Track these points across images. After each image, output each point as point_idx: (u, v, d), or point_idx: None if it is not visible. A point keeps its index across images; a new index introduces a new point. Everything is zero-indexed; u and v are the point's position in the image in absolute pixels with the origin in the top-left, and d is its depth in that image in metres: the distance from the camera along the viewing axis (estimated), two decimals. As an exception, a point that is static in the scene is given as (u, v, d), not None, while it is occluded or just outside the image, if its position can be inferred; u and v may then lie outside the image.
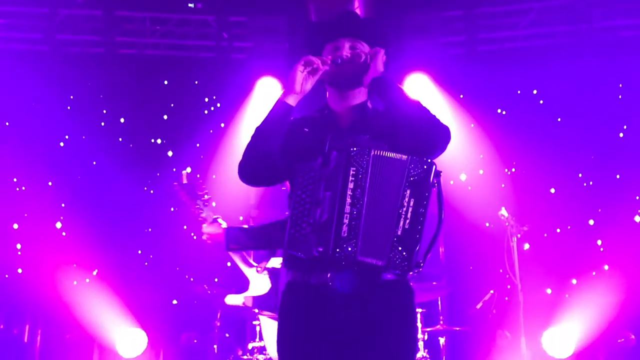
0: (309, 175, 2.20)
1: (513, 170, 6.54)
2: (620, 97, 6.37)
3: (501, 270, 5.58)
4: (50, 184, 6.41)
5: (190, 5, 6.71)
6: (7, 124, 6.45)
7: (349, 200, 2.16)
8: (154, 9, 6.63)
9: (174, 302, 6.40)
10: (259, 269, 4.03)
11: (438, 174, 2.23)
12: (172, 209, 6.47)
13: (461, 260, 6.17)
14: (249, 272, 4.13)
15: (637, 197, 6.28)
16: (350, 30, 2.47)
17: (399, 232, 2.16)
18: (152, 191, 6.57)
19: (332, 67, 2.38)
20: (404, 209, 2.17)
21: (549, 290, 6.23)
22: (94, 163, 6.50)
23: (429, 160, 2.22)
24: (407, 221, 2.17)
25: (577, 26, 6.42)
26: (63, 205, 6.36)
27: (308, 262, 2.19)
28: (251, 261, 4.11)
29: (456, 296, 5.99)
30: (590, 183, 6.39)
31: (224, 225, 3.22)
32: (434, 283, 5.49)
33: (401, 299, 2.30)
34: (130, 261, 6.36)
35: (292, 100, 2.37)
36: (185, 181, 3.43)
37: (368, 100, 2.51)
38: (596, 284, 6.12)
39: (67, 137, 6.56)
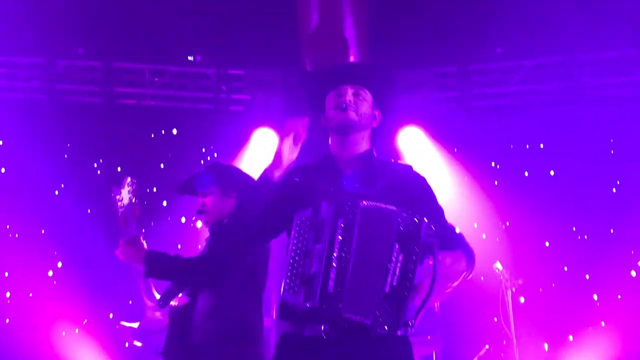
0: (300, 226, 2.16)
1: (507, 223, 6.55)
2: (612, 152, 6.45)
3: (495, 319, 5.52)
4: (43, 231, 6.36)
5: (189, 58, 6.83)
6: (2, 170, 6.46)
7: (336, 253, 2.09)
8: (153, 61, 6.75)
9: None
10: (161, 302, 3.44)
11: (429, 227, 2.15)
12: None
13: (456, 314, 6.09)
14: (149, 303, 3.51)
15: (632, 252, 6.27)
16: (352, 76, 2.44)
17: (387, 289, 2.07)
18: (145, 241, 6.51)
19: (336, 112, 2.38)
20: (392, 264, 2.08)
21: (546, 346, 6.14)
22: (89, 211, 6.47)
23: (419, 213, 2.14)
24: (395, 277, 2.08)
25: (567, 83, 6.56)
26: (56, 253, 6.31)
27: (302, 313, 2.14)
28: (155, 292, 3.54)
29: (451, 350, 5.89)
30: (585, 237, 6.39)
31: (145, 246, 3.03)
32: (429, 337, 5.42)
33: (397, 353, 2.22)
34: (123, 311, 6.26)
35: (277, 174, 2.33)
36: (126, 188, 3.23)
37: (373, 148, 2.47)
38: (593, 340, 6.04)
39: (62, 185, 6.56)
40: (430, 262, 2.15)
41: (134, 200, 3.18)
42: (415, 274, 2.10)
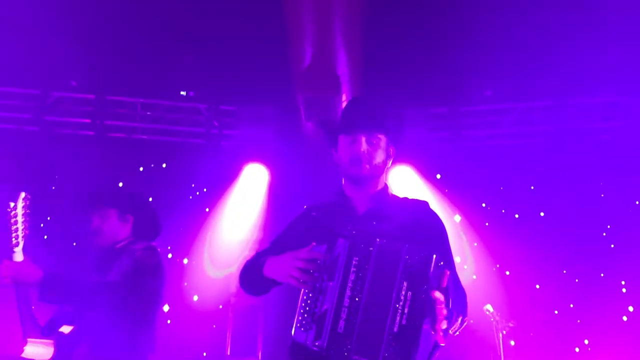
0: (315, 262, 2.14)
1: (498, 265, 6.50)
2: (602, 195, 6.46)
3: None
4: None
5: (182, 93, 6.85)
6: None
7: (348, 292, 2.07)
8: (145, 95, 6.76)
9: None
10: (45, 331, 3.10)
11: (438, 263, 2.09)
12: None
13: (447, 357, 5.98)
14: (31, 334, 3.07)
15: (624, 291, 6.22)
16: (366, 125, 2.40)
17: (395, 329, 2.01)
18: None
19: (351, 165, 2.38)
20: (401, 302, 2.03)
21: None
22: (74, 244, 6.38)
23: (428, 251, 2.08)
24: (405, 316, 2.03)
25: (557, 126, 6.60)
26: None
27: (311, 352, 2.09)
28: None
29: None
30: (576, 280, 6.35)
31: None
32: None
33: None
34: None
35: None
36: (20, 204, 3.02)
37: (387, 186, 2.47)
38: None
39: (48, 218, 6.48)
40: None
41: (24, 218, 3.00)
42: (425, 310, 2.04)
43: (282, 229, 2.57)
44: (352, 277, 2.07)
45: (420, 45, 6.24)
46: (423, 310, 2.03)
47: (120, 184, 6.69)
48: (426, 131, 6.83)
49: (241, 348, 6.03)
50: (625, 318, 6.17)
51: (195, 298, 6.35)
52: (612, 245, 6.30)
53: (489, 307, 5.33)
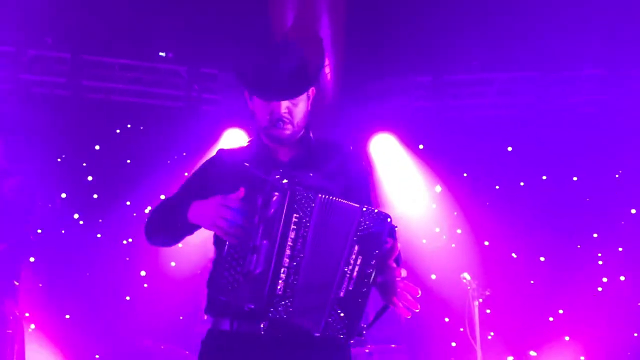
0: (245, 215, 1.94)
1: (475, 234, 6.51)
2: (583, 167, 6.46)
3: (462, 329, 5.45)
4: None
5: (161, 54, 6.69)
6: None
7: (288, 252, 1.91)
8: (124, 55, 6.59)
9: None
10: None
11: (393, 229, 2.01)
12: (127, 259, 6.26)
13: (422, 323, 6.02)
14: None
15: (600, 263, 6.28)
16: (286, 92, 2.19)
17: (341, 294, 1.91)
18: (99, 235, 6.35)
19: (270, 126, 2.20)
20: (350, 267, 1.92)
21: (510, 359, 6.10)
22: (50, 206, 6.28)
23: (384, 213, 1.97)
24: (352, 282, 1.91)
25: (540, 98, 6.57)
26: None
27: (240, 312, 1.97)
28: None
29: (416, 360, 5.81)
30: (553, 251, 6.38)
31: None
32: (393, 346, 5.34)
33: (336, 353, 2.10)
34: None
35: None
36: None
37: (310, 131, 2.32)
38: (556, 356, 6.03)
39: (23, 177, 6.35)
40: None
41: None
42: (375, 277, 1.95)
43: (191, 174, 2.39)
44: (291, 235, 1.92)
45: (405, 12, 6.15)
46: (372, 277, 1.93)
47: (97, 147, 6.58)
48: (409, 100, 6.77)
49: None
50: (600, 289, 6.24)
51: (173, 264, 6.30)
52: (590, 218, 6.33)
53: (465, 275, 5.36)
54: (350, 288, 1.92)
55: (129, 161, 6.59)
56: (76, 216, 6.31)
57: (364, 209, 1.96)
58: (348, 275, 1.92)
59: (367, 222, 1.95)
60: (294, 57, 2.23)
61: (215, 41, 6.30)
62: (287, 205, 1.93)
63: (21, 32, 6.31)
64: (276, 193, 1.93)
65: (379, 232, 1.95)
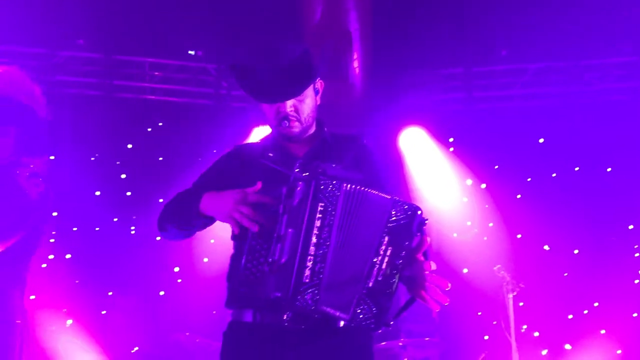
0: (268, 205, 1.97)
1: (509, 227, 6.44)
2: (617, 158, 6.33)
3: (495, 322, 5.41)
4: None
5: (190, 52, 6.76)
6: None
7: (314, 240, 1.90)
8: (153, 54, 6.66)
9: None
10: None
11: (423, 222, 1.99)
12: (160, 255, 6.33)
13: (455, 317, 5.99)
14: None
15: (636, 255, 6.17)
16: (288, 93, 2.18)
17: (370, 284, 1.91)
18: (133, 232, 6.44)
19: (278, 125, 2.21)
20: (379, 257, 1.92)
21: (544, 352, 6.04)
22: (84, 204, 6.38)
23: (415, 205, 1.98)
24: (382, 272, 1.92)
25: (571, 88, 6.47)
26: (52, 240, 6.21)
27: (266, 302, 1.97)
28: None
29: (449, 354, 5.78)
30: (587, 243, 6.29)
31: None
32: (427, 339, 5.33)
33: (358, 345, 2.11)
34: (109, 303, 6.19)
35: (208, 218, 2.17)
36: None
37: (324, 125, 2.33)
38: (592, 350, 5.95)
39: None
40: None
41: None
42: (404, 269, 1.96)
43: (207, 168, 2.40)
44: (317, 223, 1.90)
45: (434, 3, 6.10)
46: (401, 269, 1.94)
47: (130, 146, 6.67)
48: (439, 92, 6.71)
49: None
50: (636, 281, 6.14)
51: (206, 260, 6.36)
52: (625, 209, 6.22)
53: (500, 268, 5.31)
54: (380, 279, 1.92)
55: (160, 159, 6.67)
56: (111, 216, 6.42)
57: (396, 200, 1.97)
58: (377, 265, 1.93)
59: (398, 214, 1.95)
60: (291, 54, 2.19)
61: (244, 38, 6.34)
62: (312, 194, 1.91)
63: (53, 34, 6.43)
64: (300, 183, 1.93)
65: (409, 224, 1.96)
